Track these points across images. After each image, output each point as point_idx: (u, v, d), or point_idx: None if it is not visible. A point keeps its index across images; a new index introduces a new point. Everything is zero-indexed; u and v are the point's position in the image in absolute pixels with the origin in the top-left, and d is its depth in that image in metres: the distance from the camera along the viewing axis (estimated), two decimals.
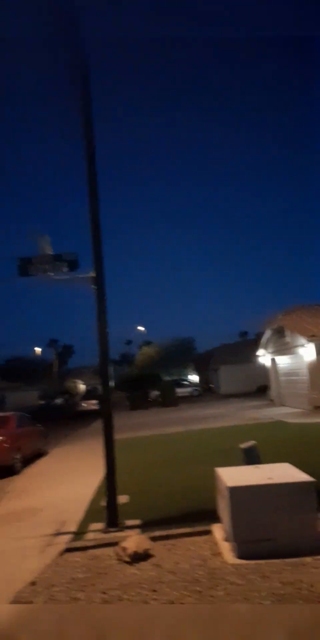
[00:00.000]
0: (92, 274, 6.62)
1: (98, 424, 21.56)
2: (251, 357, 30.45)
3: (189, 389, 43.09)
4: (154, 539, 5.28)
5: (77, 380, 73.17)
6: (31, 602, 4.16)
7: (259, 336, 29.24)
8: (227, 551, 4.88)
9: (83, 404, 35.04)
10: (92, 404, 33.53)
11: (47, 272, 6.68)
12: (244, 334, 65.53)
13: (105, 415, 6.54)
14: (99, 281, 6.63)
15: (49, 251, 6.70)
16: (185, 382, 47.57)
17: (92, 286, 6.64)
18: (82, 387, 70.41)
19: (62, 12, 6.05)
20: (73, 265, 6.76)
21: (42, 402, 55.16)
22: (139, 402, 32.72)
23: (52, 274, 6.72)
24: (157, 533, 5.51)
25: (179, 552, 5.05)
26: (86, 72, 6.80)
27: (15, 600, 4.22)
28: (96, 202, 6.71)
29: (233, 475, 5.23)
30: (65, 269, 6.71)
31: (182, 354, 56.17)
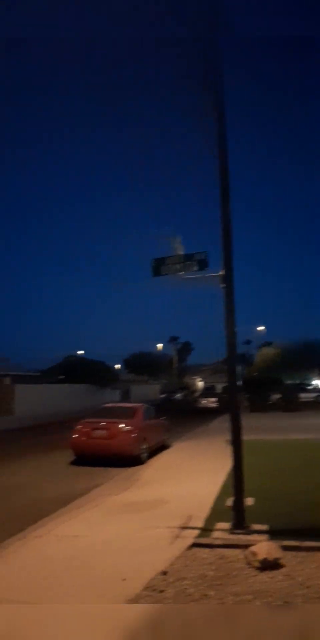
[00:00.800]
0: (222, 272, 6.61)
1: (218, 422, 21.67)
2: None
3: (313, 395, 40.86)
4: (284, 548, 5.07)
5: (195, 377, 74.34)
6: (163, 591, 4.29)
7: None
8: None
9: (202, 401, 35.48)
10: (211, 402, 33.77)
11: (178, 272, 6.87)
12: None
13: (233, 414, 6.48)
14: (228, 280, 6.60)
15: (181, 251, 6.88)
16: (310, 387, 45.17)
17: (221, 285, 6.63)
18: (200, 384, 71.35)
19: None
20: (203, 265, 6.84)
21: (163, 395, 57.36)
22: (259, 404, 31.90)
23: (183, 273, 6.89)
24: (288, 542, 5.27)
25: (311, 567, 4.78)
26: (221, 82, 6.79)
27: (148, 587, 4.39)
28: (228, 206, 6.69)
29: None
30: (195, 268, 6.83)
31: (307, 357, 53.18)
